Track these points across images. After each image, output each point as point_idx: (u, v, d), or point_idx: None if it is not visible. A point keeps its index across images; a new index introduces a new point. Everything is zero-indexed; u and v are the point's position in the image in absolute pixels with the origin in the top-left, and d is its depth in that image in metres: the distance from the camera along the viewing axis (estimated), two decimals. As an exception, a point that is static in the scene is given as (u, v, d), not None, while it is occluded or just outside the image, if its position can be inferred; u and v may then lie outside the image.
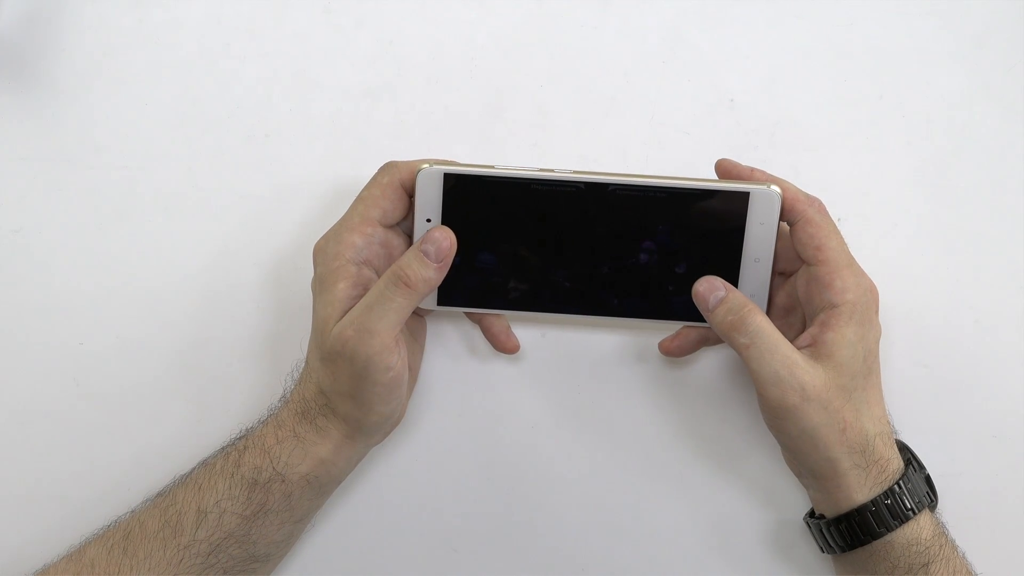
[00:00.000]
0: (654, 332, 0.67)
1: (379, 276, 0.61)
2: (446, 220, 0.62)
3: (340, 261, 0.60)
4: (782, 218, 0.62)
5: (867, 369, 0.60)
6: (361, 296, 0.60)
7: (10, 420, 0.68)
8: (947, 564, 0.60)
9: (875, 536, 0.59)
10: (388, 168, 0.62)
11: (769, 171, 0.63)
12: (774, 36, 0.72)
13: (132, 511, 0.63)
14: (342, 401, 0.60)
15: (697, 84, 0.72)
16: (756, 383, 0.59)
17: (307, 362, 0.62)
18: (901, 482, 0.60)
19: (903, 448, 0.63)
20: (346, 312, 0.59)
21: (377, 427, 0.62)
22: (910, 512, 0.59)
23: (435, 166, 0.61)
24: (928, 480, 0.62)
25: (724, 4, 0.73)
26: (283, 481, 0.60)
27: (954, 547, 0.61)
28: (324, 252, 0.61)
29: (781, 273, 0.64)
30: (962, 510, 0.65)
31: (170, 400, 0.68)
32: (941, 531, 0.61)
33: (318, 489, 0.62)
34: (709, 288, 0.61)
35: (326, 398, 0.60)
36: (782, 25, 0.72)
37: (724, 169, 0.64)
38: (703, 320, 0.62)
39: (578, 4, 0.73)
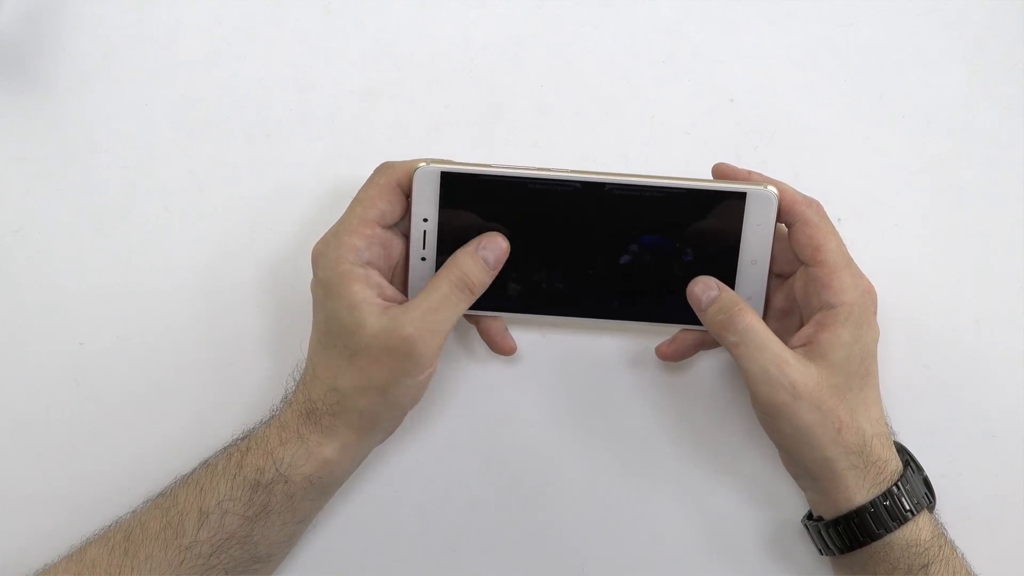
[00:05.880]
0: (652, 334, 0.67)
1: (382, 276, 0.62)
2: (443, 219, 0.62)
3: (344, 265, 0.60)
4: (780, 219, 0.62)
5: (864, 370, 0.60)
6: (379, 295, 0.60)
7: (10, 420, 0.68)
8: (947, 565, 0.60)
9: (874, 537, 0.59)
10: (384, 169, 0.62)
11: (769, 171, 0.63)
12: (774, 36, 0.72)
13: (133, 512, 0.63)
14: (364, 396, 0.60)
15: (697, 84, 0.72)
16: (747, 381, 0.59)
17: (312, 363, 0.62)
18: (899, 483, 0.60)
19: (901, 450, 0.63)
20: (375, 312, 0.59)
21: (389, 423, 0.62)
22: (909, 513, 0.59)
23: (432, 165, 0.61)
24: (927, 482, 0.62)
25: (724, 4, 0.73)
26: (286, 482, 0.60)
27: (953, 548, 0.61)
28: (325, 256, 0.61)
29: (779, 275, 0.64)
30: (961, 510, 0.65)
31: (170, 400, 0.68)
32: (940, 532, 0.61)
33: (321, 490, 0.62)
34: (703, 288, 0.61)
35: (339, 395, 0.60)
36: (782, 25, 0.72)
37: (721, 173, 0.64)
38: (699, 323, 0.62)
39: (578, 4, 0.73)
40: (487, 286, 0.62)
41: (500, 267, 0.62)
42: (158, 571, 0.59)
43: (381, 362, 0.59)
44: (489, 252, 0.61)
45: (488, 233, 0.62)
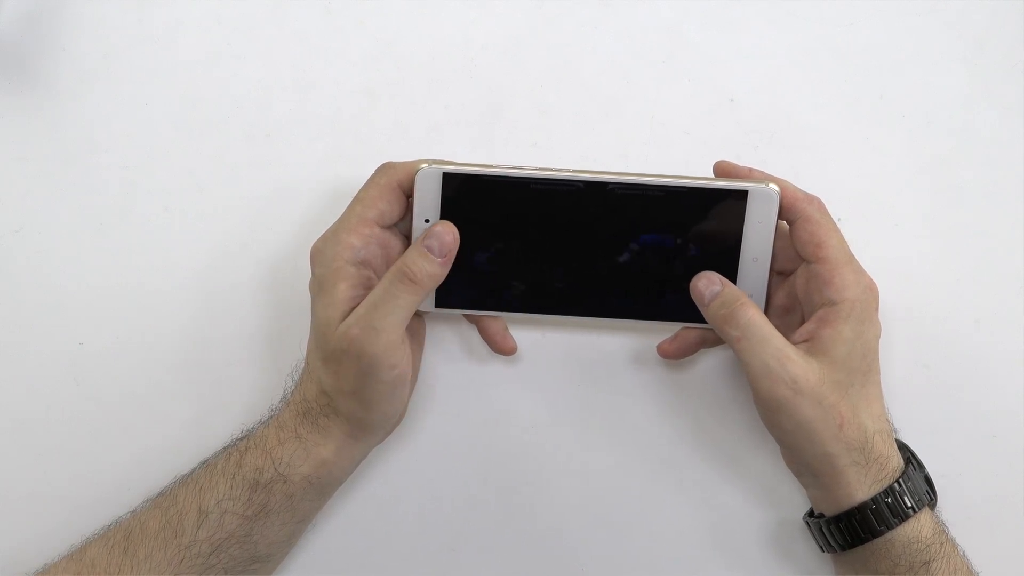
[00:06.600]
0: (653, 333, 0.67)
1: (378, 277, 0.61)
2: (445, 220, 0.62)
3: (339, 262, 0.60)
4: (781, 217, 0.62)
5: (866, 367, 0.60)
6: (362, 296, 0.60)
7: (10, 420, 0.68)
8: (948, 562, 0.60)
9: (875, 534, 0.59)
10: (385, 169, 0.62)
11: (769, 171, 0.63)
12: (774, 36, 0.72)
13: (133, 511, 0.63)
14: (345, 400, 0.60)
15: (697, 84, 0.72)
16: (748, 376, 0.59)
17: (307, 363, 0.62)
18: (901, 480, 0.60)
19: (902, 447, 0.63)
20: (348, 312, 0.59)
21: (379, 426, 0.62)
22: (910, 510, 0.59)
23: (434, 166, 0.61)
24: (928, 479, 0.62)
25: (724, 4, 0.73)
26: (285, 482, 0.60)
27: (954, 545, 0.61)
28: (322, 254, 0.61)
29: (780, 272, 0.64)
30: (962, 510, 0.65)
31: (170, 400, 0.68)
32: (941, 529, 0.61)
33: (320, 490, 0.62)
34: (707, 283, 0.61)
35: (328, 398, 0.60)
36: (782, 25, 0.73)
37: (722, 170, 0.64)
38: (701, 321, 0.62)
39: (578, 4, 0.73)
40: (439, 277, 0.60)
41: (450, 255, 0.61)
42: (157, 570, 0.59)
43: (342, 363, 0.59)
44: (433, 240, 0.60)
45: (437, 222, 0.61)
